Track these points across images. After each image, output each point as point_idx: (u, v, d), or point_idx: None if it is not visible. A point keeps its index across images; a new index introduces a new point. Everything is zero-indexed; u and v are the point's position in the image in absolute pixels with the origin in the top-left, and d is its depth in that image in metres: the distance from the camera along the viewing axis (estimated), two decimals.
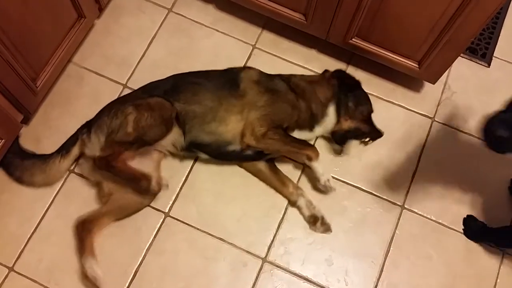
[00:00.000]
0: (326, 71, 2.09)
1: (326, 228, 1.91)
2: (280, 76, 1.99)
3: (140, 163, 1.81)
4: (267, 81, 1.93)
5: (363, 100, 2.02)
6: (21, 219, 1.87)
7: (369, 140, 2.03)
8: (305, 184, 2.00)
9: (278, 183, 1.95)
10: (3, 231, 1.85)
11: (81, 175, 1.93)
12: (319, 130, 1.98)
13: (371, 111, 2.02)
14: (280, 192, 1.96)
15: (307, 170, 1.99)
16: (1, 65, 1.59)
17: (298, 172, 2.02)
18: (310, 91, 1.96)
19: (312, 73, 2.19)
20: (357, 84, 2.04)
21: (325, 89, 1.98)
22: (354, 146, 2.04)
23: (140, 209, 1.89)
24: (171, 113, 1.81)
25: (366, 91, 2.16)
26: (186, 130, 1.84)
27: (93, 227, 1.80)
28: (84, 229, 1.79)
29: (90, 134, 1.82)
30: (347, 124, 1.96)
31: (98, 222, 1.81)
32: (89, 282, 1.75)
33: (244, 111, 1.84)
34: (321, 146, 2.05)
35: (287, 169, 2.01)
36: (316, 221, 1.90)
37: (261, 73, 1.98)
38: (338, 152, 2.04)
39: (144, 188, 1.76)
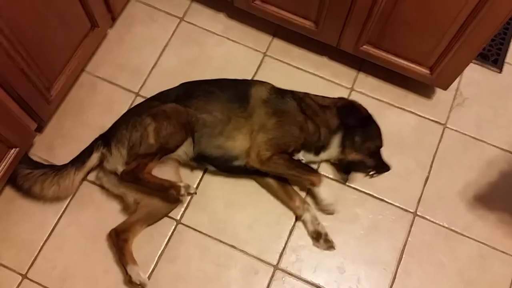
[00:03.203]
0: (341, 98, 2.05)
1: (329, 246, 1.90)
2: (292, 94, 1.96)
3: (159, 172, 1.81)
4: (277, 101, 1.92)
5: (372, 136, 1.97)
6: (34, 226, 1.89)
7: (374, 174, 2.00)
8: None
9: (285, 196, 1.94)
10: (16, 238, 1.87)
11: (94, 183, 1.95)
12: (324, 155, 1.96)
13: (380, 146, 1.98)
14: (287, 206, 1.95)
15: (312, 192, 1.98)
16: (16, 74, 1.62)
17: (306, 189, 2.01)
18: (321, 115, 1.94)
19: (323, 80, 2.20)
20: (367, 119, 1.98)
21: (334, 118, 1.95)
22: (358, 177, 2.03)
23: (169, 212, 1.90)
24: (187, 116, 1.83)
25: (377, 97, 2.17)
26: (195, 139, 1.85)
27: (128, 236, 1.81)
28: (120, 240, 1.80)
29: (110, 148, 1.82)
30: (351, 156, 1.94)
31: (132, 231, 1.82)
32: None
33: (252, 130, 1.85)
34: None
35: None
36: (319, 237, 1.89)
37: (272, 89, 1.96)
38: (344, 180, 2.02)
39: (173, 197, 1.75)
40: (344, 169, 1.99)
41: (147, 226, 1.87)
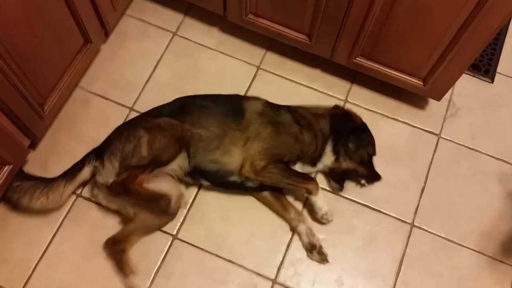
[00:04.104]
0: (336, 106, 2.05)
1: (323, 258, 1.88)
2: (287, 107, 1.98)
3: (156, 186, 1.80)
4: (271, 113, 1.93)
5: (365, 144, 1.97)
6: (28, 245, 1.86)
7: (365, 183, 2.00)
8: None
9: (280, 208, 1.93)
10: (10, 256, 1.84)
11: (88, 199, 1.93)
12: (320, 165, 1.96)
13: (373, 154, 1.99)
14: (282, 217, 1.94)
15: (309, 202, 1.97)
16: (9, 91, 1.60)
17: (302, 201, 2.00)
18: (315, 124, 1.94)
19: (316, 93, 2.21)
20: (360, 127, 2.00)
21: (327, 125, 1.96)
22: (354, 188, 2.03)
23: (166, 224, 1.89)
24: (182, 131, 1.82)
25: (371, 109, 2.18)
26: (190, 154, 1.84)
27: (125, 246, 1.80)
28: (118, 251, 1.79)
29: (103, 161, 1.81)
30: (345, 164, 1.94)
31: (129, 241, 1.81)
32: None
33: (247, 143, 1.85)
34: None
35: (292, 195, 2.00)
36: (313, 249, 1.88)
37: (266, 103, 1.97)
38: (338, 190, 2.01)
39: (163, 209, 1.74)
40: (337, 178, 1.98)
41: (144, 236, 1.86)
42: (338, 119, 1.97)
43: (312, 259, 1.89)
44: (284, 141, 1.86)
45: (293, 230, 1.93)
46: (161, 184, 1.81)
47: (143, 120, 1.89)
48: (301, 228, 1.90)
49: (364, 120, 2.04)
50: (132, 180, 1.73)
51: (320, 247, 1.88)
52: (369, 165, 1.98)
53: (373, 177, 1.98)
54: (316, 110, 2.00)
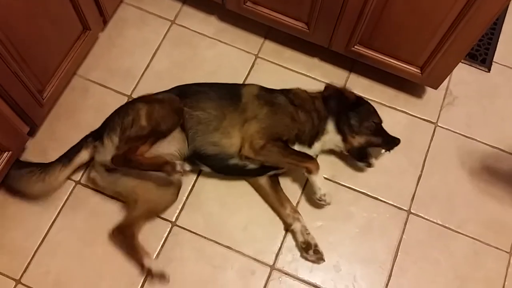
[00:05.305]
0: (326, 87, 2.03)
1: (319, 257, 1.87)
2: (281, 90, 1.99)
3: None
4: (267, 95, 1.94)
5: (367, 115, 1.96)
6: (27, 232, 1.87)
7: (385, 151, 1.98)
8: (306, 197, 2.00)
9: (276, 203, 1.93)
10: (9, 244, 1.85)
11: (87, 186, 1.94)
12: (318, 146, 1.95)
13: (380, 122, 1.98)
14: (277, 212, 1.94)
15: (308, 185, 1.98)
16: (9, 77, 1.60)
17: (300, 189, 2.02)
18: (310, 104, 1.95)
19: (314, 81, 2.21)
20: (355, 101, 1.98)
21: (322, 107, 1.96)
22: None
23: (169, 206, 1.90)
24: (179, 104, 1.84)
25: (369, 98, 2.18)
26: (189, 137, 1.84)
27: (134, 231, 1.80)
28: (127, 236, 1.80)
29: (102, 139, 1.81)
30: (356, 141, 1.93)
31: (136, 225, 1.81)
32: (156, 281, 1.81)
33: (245, 125, 1.86)
34: (323, 155, 2.07)
35: (290, 184, 2.01)
36: (309, 248, 1.86)
37: (261, 88, 1.98)
38: (367, 166, 2.00)
39: (169, 172, 1.70)
40: (359, 156, 1.97)
41: (149, 220, 1.87)
42: (330, 100, 1.95)
43: (307, 259, 1.88)
44: (281, 120, 1.87)
45: (288, 227, 1.92)
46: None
47: (141, 97, 1.92)
48: (296, 226, 1.88)
49: None
50: (133, 151, 1.73)
51: (316, 245, 1.86)
52: (381, 132, 1.96)
53: (390, 142, 1.96)
54: (311, 93, 2.01)
